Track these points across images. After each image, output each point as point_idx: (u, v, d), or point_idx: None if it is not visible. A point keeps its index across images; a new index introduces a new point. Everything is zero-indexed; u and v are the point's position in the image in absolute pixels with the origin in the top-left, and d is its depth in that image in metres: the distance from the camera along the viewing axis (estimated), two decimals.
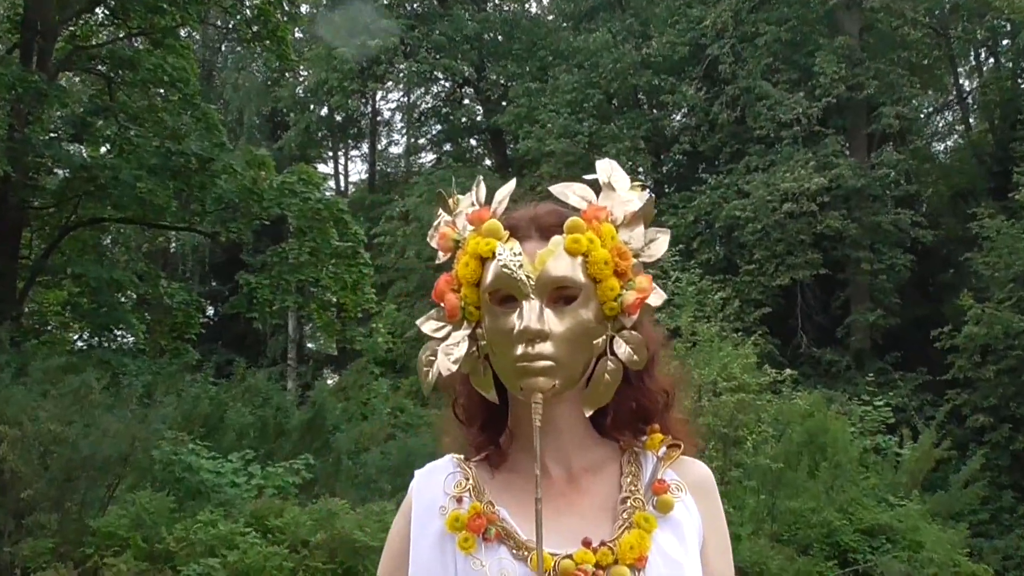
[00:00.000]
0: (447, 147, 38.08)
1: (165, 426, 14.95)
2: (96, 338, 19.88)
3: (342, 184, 41.06)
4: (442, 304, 1.99)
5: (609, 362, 1.95)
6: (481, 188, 2.02)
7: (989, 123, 34.39)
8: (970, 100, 36.53)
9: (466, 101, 37.45)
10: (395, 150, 42.26)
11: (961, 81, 36.86)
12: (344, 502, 14.07)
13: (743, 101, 29.61)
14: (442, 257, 2.02)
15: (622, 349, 1.95)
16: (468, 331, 1.96)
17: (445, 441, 2.19)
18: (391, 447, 18.57)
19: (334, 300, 20.91)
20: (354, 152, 42.93)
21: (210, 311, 32.52)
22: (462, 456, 2.10)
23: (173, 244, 31.21)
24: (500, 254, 1.92)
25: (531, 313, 1.88)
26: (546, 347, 1.88)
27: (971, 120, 36.64)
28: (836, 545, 17.08)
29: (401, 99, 39.75)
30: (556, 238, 1.94)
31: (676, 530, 1.99)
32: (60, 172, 19.45)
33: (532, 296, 1.90)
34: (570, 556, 1.89)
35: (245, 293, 20.10)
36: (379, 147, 41.31)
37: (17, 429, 12.37)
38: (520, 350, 1.87)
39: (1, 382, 14.15)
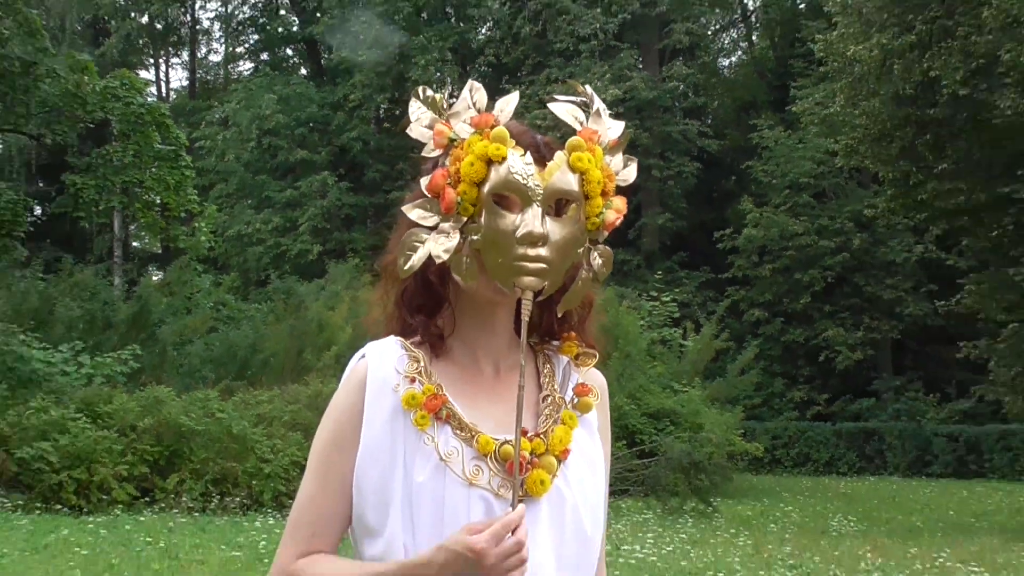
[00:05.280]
0: (264, 56, 38.11)
1: None
2: None
3: (163, 91, 40.93)
4: (436, 196, 1.97)
5: (584, 271, 2.02)
6: (481, 93, 2.05)
7: (770, 40, 35.47)
8: (753, 19, 37.55)
9: (282, 12, 37.41)
10: (214, 58, 42.55)
11: (745, 0, 37.68)
12: (169, 390, 14.39)
13: (544, 16, 30.13)
14: (431, 152, 2.00)
15: (597, 261, 2.03)
16: (459, 225, 1.95)
17: (369, 321, 2.19)
18: (214, 339, 18.90)
19: (157, 200, 20.63)
20: (175, 60, 42.82)
21: (38, 210, 31.93)
22: (405, 340, 2.10)
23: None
24: (512, 161, 1.93)
25: (535, 218, 1.91)
26: (544, 251, 1.92)
27: (754, 38, 37.79)
28: (625, 428, 17.90)
29: (219, 8, 39.72)
30: (560, 154, 1.97)
31: (588, 428, 2.10)
32: None
33: (537, 204, 1.92)
34: (508, 441, 1.96)
35: (71, 193, 19.80)
36: (199, 55, 41.19)
37: None
38: (520, 251, 1.91)
39: None
